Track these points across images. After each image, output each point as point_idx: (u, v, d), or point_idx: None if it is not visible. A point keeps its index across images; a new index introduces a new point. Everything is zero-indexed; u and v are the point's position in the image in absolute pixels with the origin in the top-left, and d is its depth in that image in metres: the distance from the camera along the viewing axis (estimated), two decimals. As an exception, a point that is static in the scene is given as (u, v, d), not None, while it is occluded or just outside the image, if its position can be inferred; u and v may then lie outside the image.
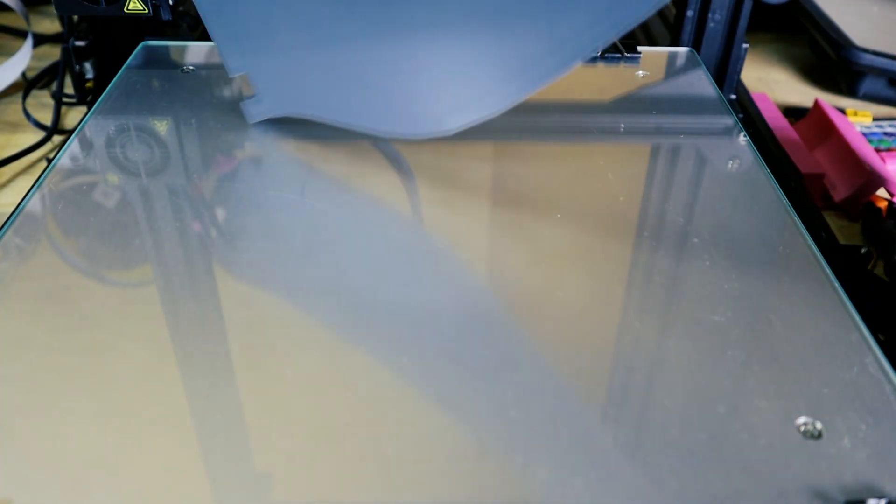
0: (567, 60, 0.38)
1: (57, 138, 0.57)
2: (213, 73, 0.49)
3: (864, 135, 0.57)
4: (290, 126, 0.43)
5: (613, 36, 0.37)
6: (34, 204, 0.38)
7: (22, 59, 0.62)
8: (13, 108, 0.61)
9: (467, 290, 0.33)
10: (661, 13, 0.68)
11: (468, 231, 0.37)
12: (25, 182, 0.53)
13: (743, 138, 0.43)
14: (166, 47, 0.51)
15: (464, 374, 0.29)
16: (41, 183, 0.39)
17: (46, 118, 0.58)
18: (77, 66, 0.55)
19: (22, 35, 0.71)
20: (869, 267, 0.45)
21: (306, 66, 0.41)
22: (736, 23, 0.55)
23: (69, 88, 0.58)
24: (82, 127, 0.43)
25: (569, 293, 0.33)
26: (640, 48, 0.51)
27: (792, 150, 0.53)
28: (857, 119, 0.60)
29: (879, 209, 0.49)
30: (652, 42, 0.65)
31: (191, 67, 0.49)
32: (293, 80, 0.42)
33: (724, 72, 0.57)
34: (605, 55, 0.51)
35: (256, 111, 0.43)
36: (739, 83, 0.60)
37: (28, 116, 0.59)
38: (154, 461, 0.26)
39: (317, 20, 0.40)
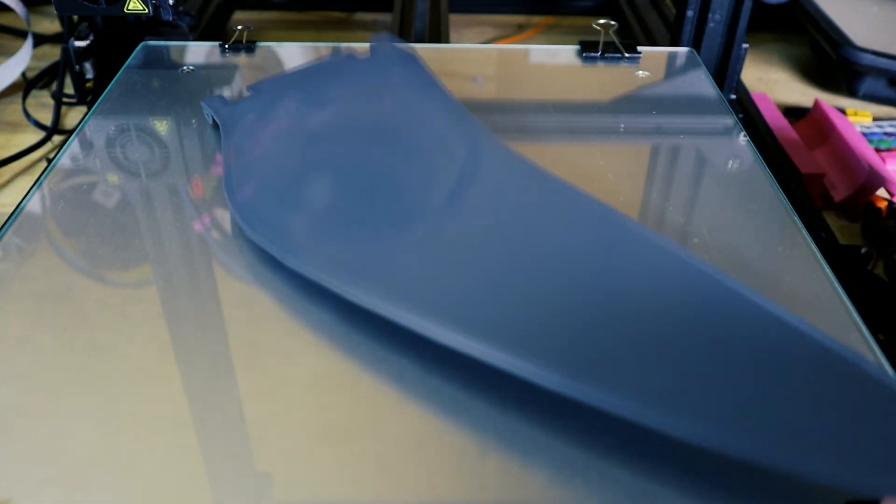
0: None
1: (57, 138, 0.57)
2: (213, 73, 0.49)
3: (864, 135, 0.57)
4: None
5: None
6: (34, 204, 0.38)
7: (22, 59, 0.62)
8: (13, 108, 0.61)
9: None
10: (661, 13, 0.68)
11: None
12: (25, 182, 0.53)
13: (743, 138, 0.43)
14: (166, 47, 0.51)
15: (464, 373, 0.29)
16: (41, 183, 0.39)
17: (46, 118, 0.58)
18: (77, 66, 0.55)
19: (22, 35, 0.71)
20: (869, 267, 0.45)
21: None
22: (736, 23, 0.55)
23: (69, 88, 0.58)
24: (82, 127, 0.43)
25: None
26: (640, 48, 0.51)
27: (792, 150, 0.53)
28: (857, 119, 0.60)
29: (879, 209, 0.49)
30: (652, 42, 0.65)
31: (191, 67, 0.49)
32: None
33: (724, 72, 0.57)
34: (605, 55, 0.51)
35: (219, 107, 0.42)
36: (739, 83, 0.60)
37: (28, 116, 0.59)
38: (154, 461, 0.26)
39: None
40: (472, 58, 0.52)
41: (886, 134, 0.58)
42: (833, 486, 0.24)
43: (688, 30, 0.56)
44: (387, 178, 0.36)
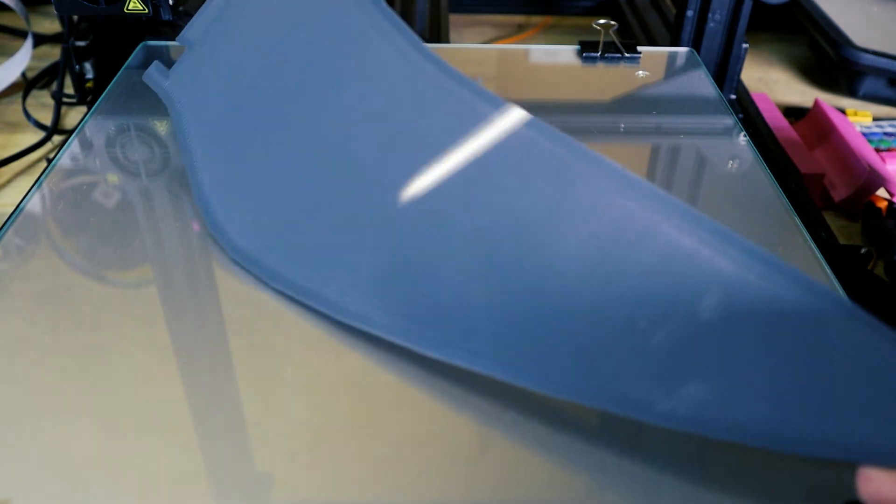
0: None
1: (57, 138, 0.57)
2: (213, 73, 0.49)
3: (864, 135, 0.57)
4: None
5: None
6: (34, 204, 0.38)
7: (22, 59, 0.62)
8: (13, 108, 0.61)
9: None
10: (661, 13, 0.68)
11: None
12: (25, 182, 0.53)
13: (743, 138, 0.43)
14: (166, 47, 0.51)
15: (464, 373, 0.29)
16: (41, 183, 0.39)
17: (46, 118, 0.58)
18: (77, 66, 0.55)
19: (22, 35, 0.71)
20: (869, 267, 0.45)
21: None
22: (736, 23, 0.55)
23: (69, 88, 0.58)
24: (82, 127, 0.43)
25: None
26: (640, 48, 0.51)
27: (792, 150, 0.53)
28: (857, 119, 0.60)
29: (879, 209, 0.49)
30: (652, 42, 0.65)
31: (191, 67, 0.49)
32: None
33: (724, 72, 0.57)
34: (606, 55, 0.51)
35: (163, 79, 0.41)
36: (739, 83, 0.60)
37: (28, 116, 0.59)
38: (154, 461, 0.26)
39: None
40: (472, 58, 0.52)
41: (886, 134, 0.58)
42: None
43: (688, 30, 0.56)
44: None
